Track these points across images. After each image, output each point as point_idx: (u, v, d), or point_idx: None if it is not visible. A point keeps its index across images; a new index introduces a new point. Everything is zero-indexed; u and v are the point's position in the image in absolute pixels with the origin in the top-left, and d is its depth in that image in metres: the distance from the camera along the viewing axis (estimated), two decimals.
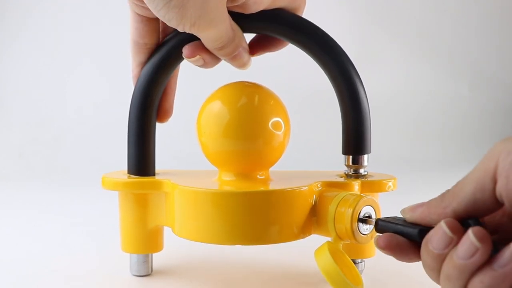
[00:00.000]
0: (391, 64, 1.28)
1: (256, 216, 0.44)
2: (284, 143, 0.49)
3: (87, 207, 0.78)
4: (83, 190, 0.86)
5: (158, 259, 0.54)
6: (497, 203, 0.32)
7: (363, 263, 0.51)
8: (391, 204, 0.52)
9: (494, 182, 0.31)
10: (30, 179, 0.97)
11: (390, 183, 0.49)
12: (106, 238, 0.63)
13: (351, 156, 0.49)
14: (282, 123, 0.48)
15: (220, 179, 0.49)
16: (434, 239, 0.33)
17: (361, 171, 0.49)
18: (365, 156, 0.49)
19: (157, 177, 0.50)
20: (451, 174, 0.98)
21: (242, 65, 0.48)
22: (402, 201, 0.57)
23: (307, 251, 0.48)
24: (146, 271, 0.52)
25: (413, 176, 0.97)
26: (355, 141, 0.48)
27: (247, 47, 0.48)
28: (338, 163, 0.54)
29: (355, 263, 0.50)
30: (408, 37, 1.29)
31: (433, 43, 1.29)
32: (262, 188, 0.46)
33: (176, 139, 1.03)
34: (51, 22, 1.17)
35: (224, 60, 0.47)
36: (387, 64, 1.27)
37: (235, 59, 0.47)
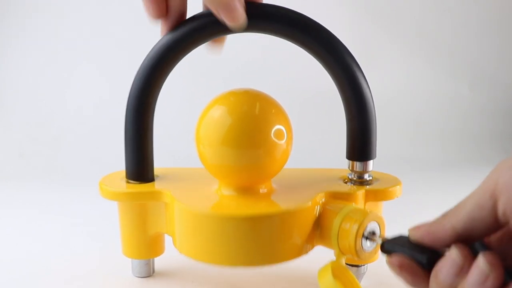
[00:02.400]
0: (391, 64, 1.28)
1: (258, 238, 0.43)
2: (287, 153, 0.47)
3: (87, 207, 0.78)
4: (83, 190, 0.86)
5: (160, 260, 0.54)
6: (497, 222, 0.31)
7: (365, 266, 0.50)
8: (392, 204, 0.52)
9: (493, 200, 0.31)
10: (30, 179, 0.97)
11: (395, 193, 0.48)
12: (107, 239, 0.63)
13: (355, 162, 0.48)
14: (285, 131, 0.46)
15: (220, 193, 0.48)
16: (444, 270, 0.31)
17: (366, 176, 0.49)
18: (370, 162, 0.48)
19: (156, 184, 0.49)
20: (452, 174, 0.99)
21: (234, 20, 0.42)
22: (402, 201, 0.57)
23: (310, 252, 0.47)
24: (148, 273, 0.52)
25: (413, 176, 0.96)
26: (360, 147, 0.47)
27: (243, 0, 0.43)
28: (340, 164, 0.54)
29: (357, 266, 0.50)
30: (408, 37, 1.29)
31: (433, 43, 1.29)
32: (264, 209, 0.44)
33: (177, 138, 1.03)
34: (52, 21, 1.17)
35: (214, 11, 0.42)
36: (387, 64, 1.27)
37: (228, 12, 0.42)
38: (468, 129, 1.23)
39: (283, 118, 0.47)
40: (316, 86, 1.09)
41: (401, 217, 0.57)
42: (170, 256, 0.54)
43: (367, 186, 0.48)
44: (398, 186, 0.48)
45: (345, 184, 0.49)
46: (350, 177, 0.49)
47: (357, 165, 0.48)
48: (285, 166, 0.51)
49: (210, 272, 0.54)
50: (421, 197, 0.78)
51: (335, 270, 0.41)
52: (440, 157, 1.14)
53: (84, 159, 1.05)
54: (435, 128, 1.23)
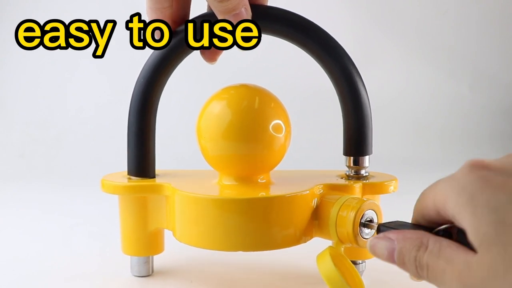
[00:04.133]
0: (391, 65, 1.28)
1: (257, 222, 0.44)
2: (285, 146, 0.48)
3: (88, 207, 0.79)
4: (84, 190, 0.86)
5: (159, 259, 0.54)
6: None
7: (364, 263, 0.51)
8: (392, 205, 0.52)
9: (437, 210, 0.33)
10: (30, 179, 0.97)
11: (391, 186, 0.49)
12: (107, 238, 0.63)
13: (352, 157, 0.49)
14: (283, 126, 0.47)
15: (221, 183, 0.49)
16: None
17: (362, 172, 0.49)
18: (367, 157, 0.49)
19: (157, 179, 0.50)
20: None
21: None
22: (402, 201, 0.57)
23: (308, 251, 0.48)
24: (147, 272, 0.52)
25: (413, 176, 0.96)
26: (356, 142, 0.48)
27: (249, 9, 0.44)
28: (339, 163, 0.54)
29: (356, 263, 0.50)
30: (408, 37, 1.29)
31: (433, 43, 1.29)
32: (263, 194, 0.46)
33: (177, 140, 1.03)
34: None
35: (221, 17, 0.43)
36: (387, 64, 1.27)
37: (234, 20, 0.43)
38: (468, 129, 1.23)
39: (282, 112, 0.48)
40: (316, 86, 1.09)
41: (401, 217, 0.57)
42: (169, 255, 0.54)
43: (364, 181, 0.49)
44: (394, 181, 0.49)
45: (342, 179, 0.49)
46: (347, 173, 0.50)
47: (354, 161, 0.49)
48: (284, 168, 0.52)
49: (209, 271, 0.54)
50: None
51: (334, 258, 0.42)
52: (440, 157, 1.14)
53: (85, 159, 1.05)
54: (435, 128, 1.23)
